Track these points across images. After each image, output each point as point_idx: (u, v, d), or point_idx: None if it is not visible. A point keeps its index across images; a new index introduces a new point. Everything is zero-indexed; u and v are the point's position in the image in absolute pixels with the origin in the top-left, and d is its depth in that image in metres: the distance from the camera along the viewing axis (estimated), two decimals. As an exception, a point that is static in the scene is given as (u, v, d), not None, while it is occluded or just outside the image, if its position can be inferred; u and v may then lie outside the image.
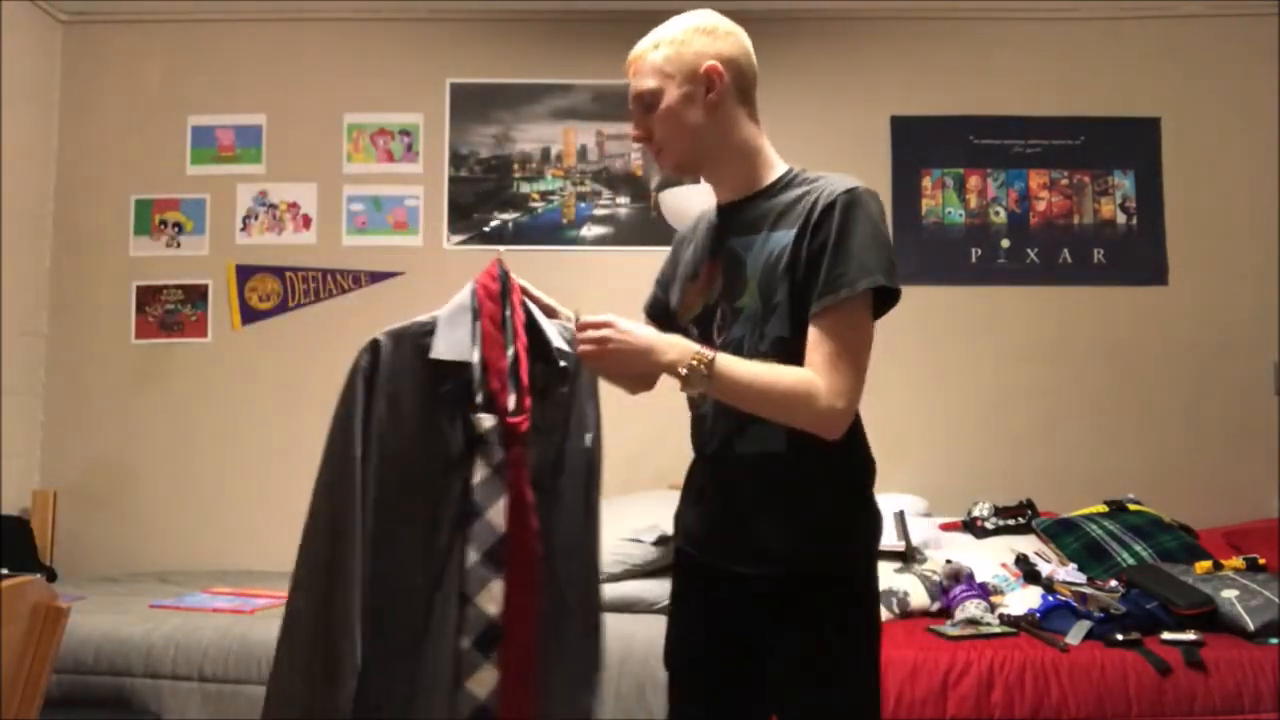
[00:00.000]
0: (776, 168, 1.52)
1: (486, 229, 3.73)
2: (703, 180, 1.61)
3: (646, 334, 1.39)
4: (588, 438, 1.60)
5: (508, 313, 1.49)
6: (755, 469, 1.45)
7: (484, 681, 1.44)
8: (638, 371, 1.44)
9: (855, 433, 1.43)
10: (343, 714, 1.38)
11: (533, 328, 1.51)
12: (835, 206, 1.38)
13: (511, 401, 1.45)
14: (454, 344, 1.45)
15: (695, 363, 1.33)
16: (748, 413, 1.39)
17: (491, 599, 1.42)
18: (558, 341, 1.52)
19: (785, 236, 1.41)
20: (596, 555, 1.66)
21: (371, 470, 1.42)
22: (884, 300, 1.41)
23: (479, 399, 1.44)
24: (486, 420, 1.44)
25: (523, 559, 1.44)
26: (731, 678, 1.51)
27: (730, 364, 1.36)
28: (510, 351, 1.47)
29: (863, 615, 1.46)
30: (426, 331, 1.46)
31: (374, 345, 1.44)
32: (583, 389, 1.58)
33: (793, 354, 1.39)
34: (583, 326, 1.40)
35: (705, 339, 1.47)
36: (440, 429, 1.44)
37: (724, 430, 1.47)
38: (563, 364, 1.51)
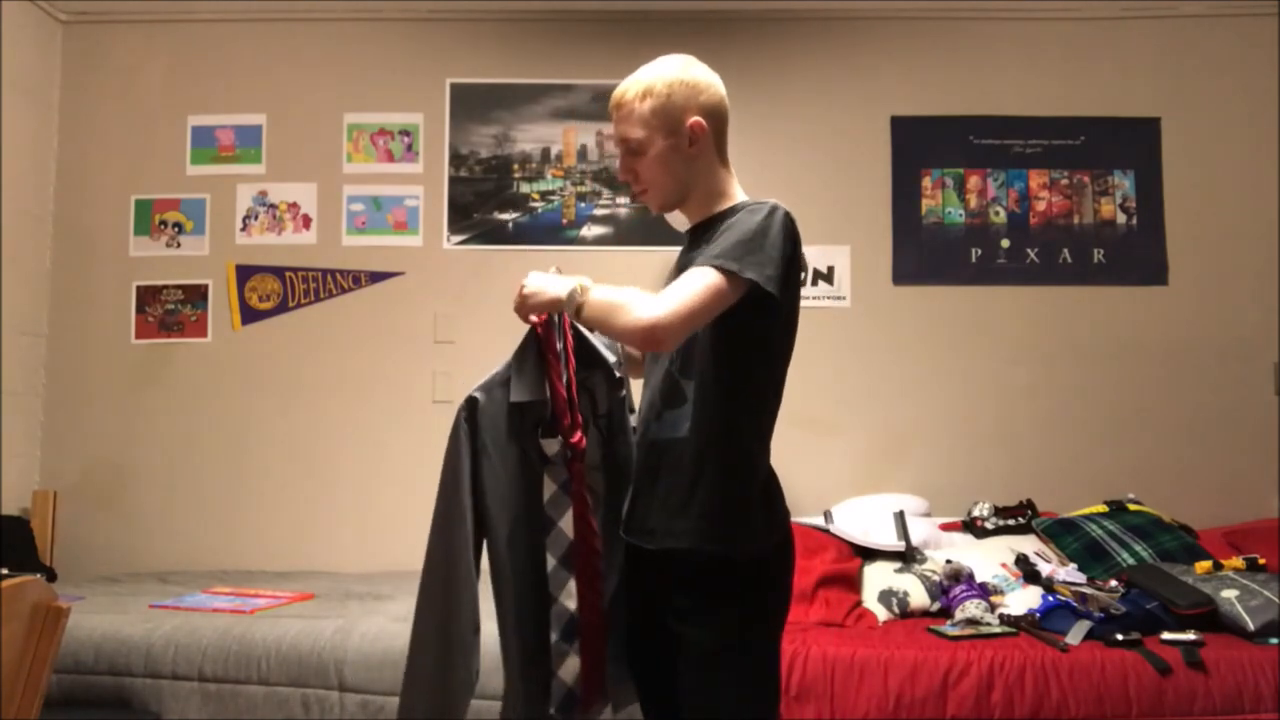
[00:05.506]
0: (735, 199, 1.64)
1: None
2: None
3: (541, 282, 1.57)
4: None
5: (560, 344, 1.66)
6: (664, 452, 1.57)
7: (571, 669, 1.65)
8: (543, 304, 1.57)
9: (745, 434, 1.55)
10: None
11: (581, 345, 1.71)
12: (739, 209, 1.54)
13: (568, 422, 1.65)
14: (528, 386, 1.65)
15: (578, 288, 1.51)
16: (662, 399, 1.56)
17: (570, 596, 1.65)
18: (606, 352, 1.73)
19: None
20: None
21: (488, 504, 1.64)
22: (764, 304, 1.49)
23: (543, 427, 1.66)
24: (552, 445, 1.65)
25: (587, 558, 1.65)
26: (661, 644, 1.59)
27: (598, 290, 1.51)
28: (565, 378, 1.65)
29: (757, 602, 1.54)
30: (506, 380, 1.67)
31: (470, 401, 1.65)
32: (628, 385, 1.77)
33: (688, 353, 1.53)
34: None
35: None
36: (528, 459, 1.66)
37: (647, 416, 1.62)
38: (617, 374, 1.73)
